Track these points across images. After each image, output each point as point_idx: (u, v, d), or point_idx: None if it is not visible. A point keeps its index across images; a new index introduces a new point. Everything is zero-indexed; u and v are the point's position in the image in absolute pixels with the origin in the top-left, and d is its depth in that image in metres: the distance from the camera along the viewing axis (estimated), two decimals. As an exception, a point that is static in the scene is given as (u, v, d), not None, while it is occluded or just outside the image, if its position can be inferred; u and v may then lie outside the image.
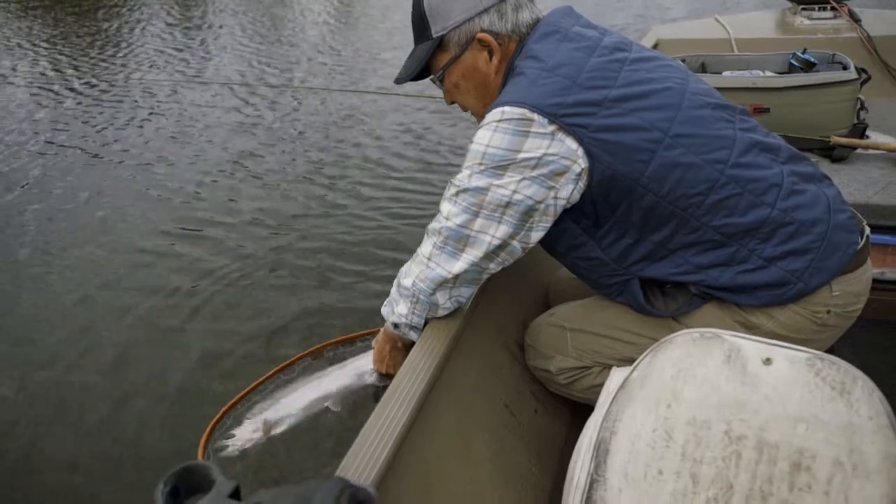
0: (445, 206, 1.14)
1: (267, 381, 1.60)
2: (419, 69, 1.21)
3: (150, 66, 6.77)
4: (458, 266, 1.15)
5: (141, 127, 4.91)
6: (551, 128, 1.04)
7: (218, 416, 1.49)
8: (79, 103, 5.52)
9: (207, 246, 3.10)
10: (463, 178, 1.10)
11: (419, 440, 1.05)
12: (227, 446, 1.42)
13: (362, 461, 0.92)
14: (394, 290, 1.27)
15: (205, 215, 3.44)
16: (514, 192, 1.07)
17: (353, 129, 4.66)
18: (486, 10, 1.15)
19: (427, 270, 1.17)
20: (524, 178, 1.06)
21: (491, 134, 1.07)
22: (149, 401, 2.15)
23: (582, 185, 1.09)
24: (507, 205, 1.09)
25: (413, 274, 1.20)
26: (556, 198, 1.09)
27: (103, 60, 7.05)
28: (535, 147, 1.05)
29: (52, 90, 5.99)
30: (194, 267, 2.93)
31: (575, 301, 1.40)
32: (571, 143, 1.05)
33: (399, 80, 1.25)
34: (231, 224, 3.35)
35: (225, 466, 1.37)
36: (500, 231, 1.11)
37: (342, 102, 5.25)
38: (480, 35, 1.15)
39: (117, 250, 3.13)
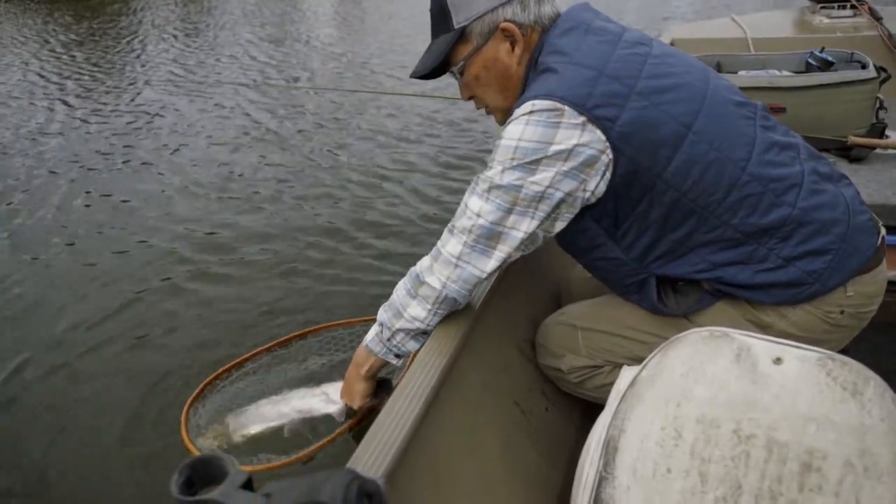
0: (476, 203, 1.12)
1: (262, 354, 1.67)
2: (439, 62, 1.19)
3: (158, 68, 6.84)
4: (492, 264, 1.14)
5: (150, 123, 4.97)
6: (581, 118, 1.04)
7: (208, 379, 1.57)
8: (82, 108, 5.56)
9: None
10: (494, 174, 1.09)
11: (429, 436, 1.05)
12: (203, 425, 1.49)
13: (373, 455, 0.93)
14: (401, 293, 1.23)
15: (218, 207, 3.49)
16: (548, 186, 1.07)
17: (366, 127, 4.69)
18: (509, 1, 1.14)
19: (458, 271, 1.15)
20: (557, 172, 1.06)
21: (522, 127, 1.06)
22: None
23: (608, 176, 1.08)
24: (541, 199, 1.08)
25: (440, 274, 1.16)
26: (584, 189, 1.09)
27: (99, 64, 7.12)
28: (566, 138, 1.04)
29: (54, 93, 6.04)
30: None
31: (586, 300, 1.40)
32: (600, 135, 1.05)
33: (416, 74, 1.23)
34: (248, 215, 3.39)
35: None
36: (532, 225, 1.11)
37: (356, 101, 5.27)
38: (504, 25, 1.14)
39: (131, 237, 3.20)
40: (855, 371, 0.82)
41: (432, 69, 1.21)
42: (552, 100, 1.04)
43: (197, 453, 1.42)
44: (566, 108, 1.03)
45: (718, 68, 2.35)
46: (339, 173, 3.91)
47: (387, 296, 1.27)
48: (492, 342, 1.36)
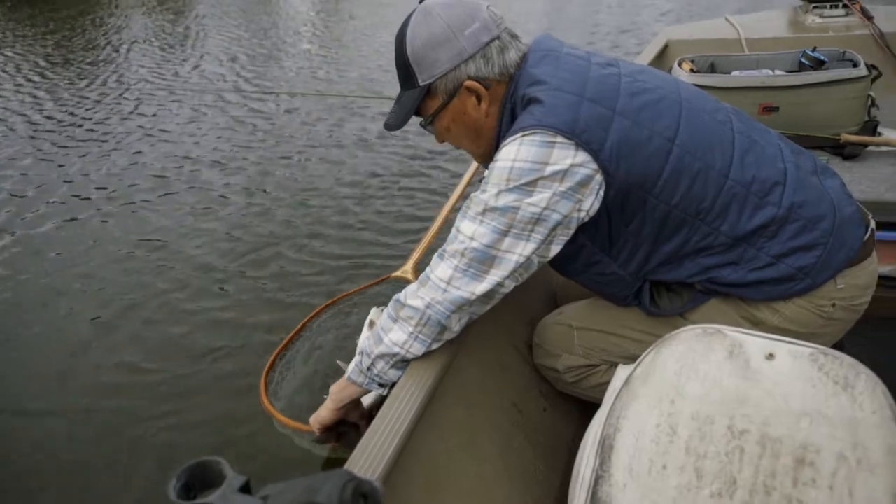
0: (469, 226, 1.09)
1: (305, 327, 1.89)
2: (410, 116, 1.19)
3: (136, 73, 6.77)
4: (482, 287, 1.10)
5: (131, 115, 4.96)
6: (572, 141, 1.04)
7: (270, 361, 1.74)
8: (55, 116, 5.44)
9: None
10: (489, 197, 1.07)
11: (426, 437, 1.06)
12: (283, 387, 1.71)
13: (370, 456, 0.93)
14: (383, 319, 1.19)
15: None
16: (545, 207, 1.05)
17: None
18: (472, 57, 1.12)
19: (446, 294, 1.11)
20: (554, 194, 1.05)
21: (517, 147, 1.05)
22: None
23: (601, 195, 1.08)
24: (537, 221, 1.06)
25: (425, 296, 1.13)
26: (579, 210, 1.08)
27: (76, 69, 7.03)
28: (562, 157, 1.04)
29: (29, 99, 5.94)
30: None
31: (582, 300, 1.40)
32: (591, 157, 1.05)
33: (389, 127, 1.22)
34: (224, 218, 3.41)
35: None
36: (528, 249, 1.08)
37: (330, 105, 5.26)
38: (468, 83, 1.13)
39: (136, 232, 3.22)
40: (846, 365, 0.82)
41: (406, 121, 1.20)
42: (541, 128, 1.04)
43: (280, 417, 1.52)
44: (557, 133, 1.04)
45: (712, 69, 2.37)
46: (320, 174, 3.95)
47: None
48: (488, 343, 1.37)
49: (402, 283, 2.00)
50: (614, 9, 8.79)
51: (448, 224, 2.28)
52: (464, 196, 2.38)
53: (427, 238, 2.15)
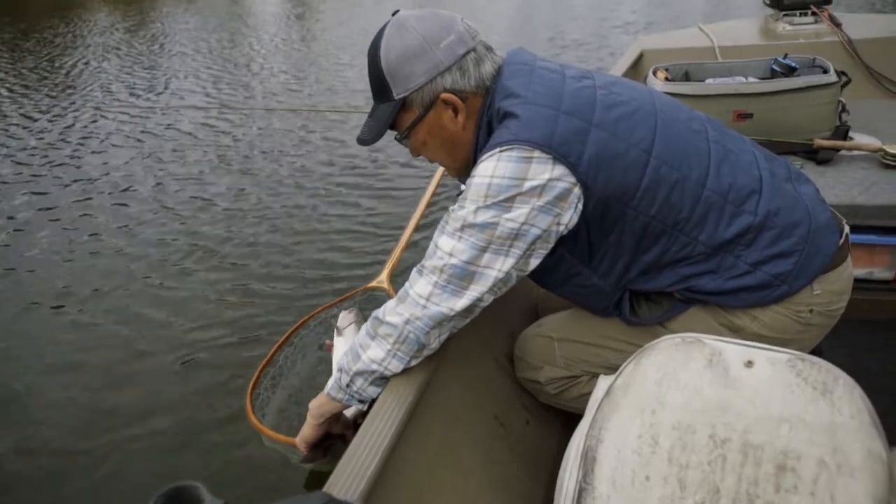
0: (447, 242, 1.09)
1: (287, 342, 1.88)
2: (385, 130, 1.18)
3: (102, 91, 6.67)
4: (462, 303, 1.10)
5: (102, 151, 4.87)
6: (549, 155, 1.04)
7: (254, 378, 1.74)
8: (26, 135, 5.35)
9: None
10: (467, 213, 1.06)
11: (408, 454, 1.05)
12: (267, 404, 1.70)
13: (350, 476, 0.92)
14: (361, 335, 1.18)
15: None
16: (524, 223, 1.05)
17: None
18: (448, 69, 1.11)
19: (425, 310, 1.11)
20: (532, 209, 1.04)
21: (495, 164, 1.05)
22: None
23: (580, 208, 1.08)
24: (516, 236, 1.06)
25: (405, 312, 1.12)
26: (558, 224, 1.08)
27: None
28: (539, 172, 1.03)
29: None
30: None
31: (562, 311, 1.40)
32: (569, 170, 1.05)
33: (362, 142, 1.20)
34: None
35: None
36: (507, 264, 1.08)
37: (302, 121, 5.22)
38: (444, 95, 1.12)
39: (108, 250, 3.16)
40: (824, 370, 0.83)
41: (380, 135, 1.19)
42: (518, 143, 1.04)
43: (269, 432, 1.51)
44: (535, 148, 1.04)
45: (686, 77, 2.39)
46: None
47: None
48: (469, 357, 1.36)
49: (379, 293, 2.00)
50: (578, 21, 8.93)
51: (419, 230, 2.30)
52: (432, 203, 2.38)
53: (399, 246, 2.15)
